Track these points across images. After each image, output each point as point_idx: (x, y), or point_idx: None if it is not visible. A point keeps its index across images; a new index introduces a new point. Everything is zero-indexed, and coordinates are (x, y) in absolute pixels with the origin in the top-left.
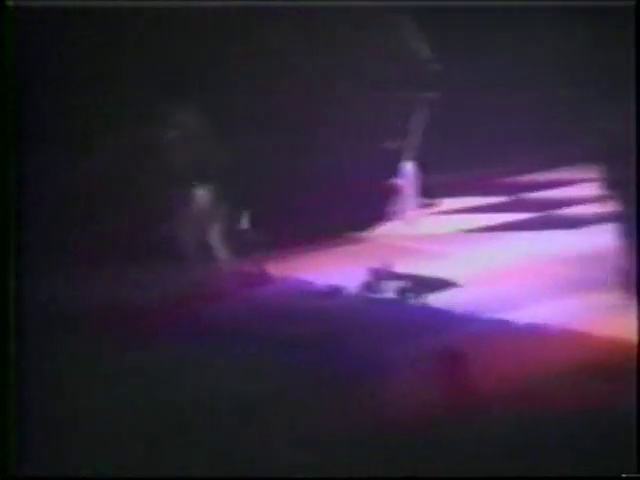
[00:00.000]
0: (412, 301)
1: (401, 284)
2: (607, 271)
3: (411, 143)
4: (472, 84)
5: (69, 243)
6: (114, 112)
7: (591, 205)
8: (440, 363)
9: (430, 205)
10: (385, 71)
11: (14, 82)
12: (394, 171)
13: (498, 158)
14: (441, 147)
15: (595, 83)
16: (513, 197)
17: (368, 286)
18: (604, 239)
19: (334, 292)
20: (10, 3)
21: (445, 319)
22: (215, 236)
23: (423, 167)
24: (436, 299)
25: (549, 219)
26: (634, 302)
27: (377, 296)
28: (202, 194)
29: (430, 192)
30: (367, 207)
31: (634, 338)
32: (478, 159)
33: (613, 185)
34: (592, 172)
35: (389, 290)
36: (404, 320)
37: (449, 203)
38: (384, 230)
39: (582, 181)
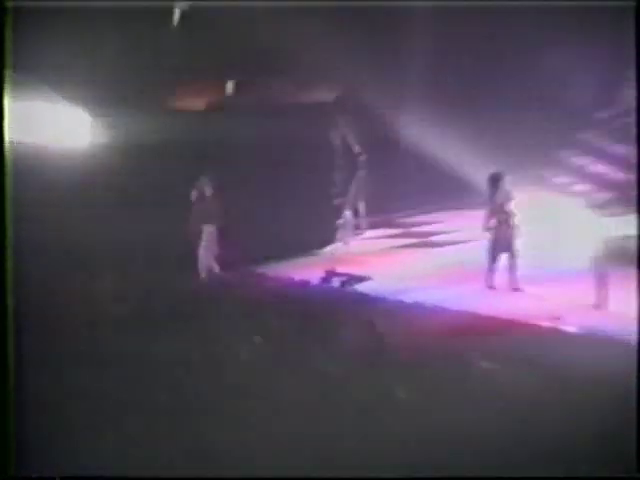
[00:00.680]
0: (348, 288)
1: (342, 279)
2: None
3: (349, 198)
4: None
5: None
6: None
7: (458, 233)
8: (362, 323)
9: (358, 235)
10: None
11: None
12: (339, 215)
13: (402, 203)
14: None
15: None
16: (407, 229)
17: (324, 280)
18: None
19: (305, 283)
20: (10, 3)
21: (366, 299)
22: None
23: (355, 213)
24: (361, 287)
25: (431, 242)
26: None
27: (329, 285)
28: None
29: (358, 227)
30: (323, 235)
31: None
32: (387, 207)
33: None
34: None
35: (335, 282)
36: (343, 299)
37: (370, 234)
38: (332, 249)
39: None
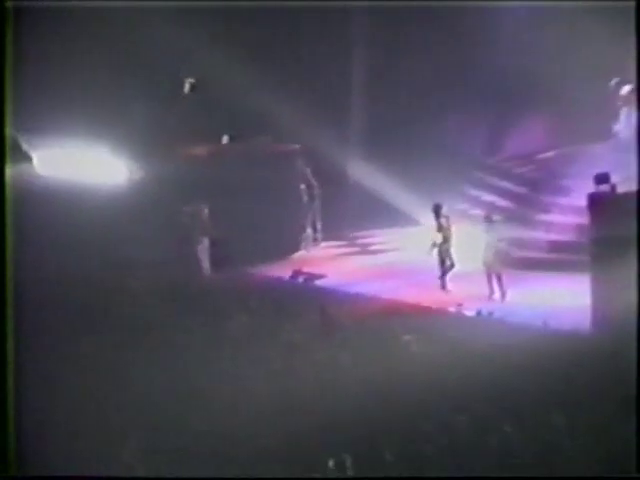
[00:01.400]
0: (309, 283)
1: (305, 276)
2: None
3: (309, 220)
4: None
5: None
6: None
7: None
8: (319, 307)
9: (316, 245)
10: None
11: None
12: (303, 231)
13: (348, 223)
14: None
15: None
16: (351, 241)
17: (292, 277)
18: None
19: (278, 279)
20: (10, 3)
21: (322, 290)
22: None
23: (314, 230)
24: (318, 282)
25: (369, 250)
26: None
27: (296, 281)
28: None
29: (316, 240)
30: (291, 245)
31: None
32: (337, 226)
33: None
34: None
35: (300, 278)
36: (306, 290)
37: (324, 244)
38: (298, 255)
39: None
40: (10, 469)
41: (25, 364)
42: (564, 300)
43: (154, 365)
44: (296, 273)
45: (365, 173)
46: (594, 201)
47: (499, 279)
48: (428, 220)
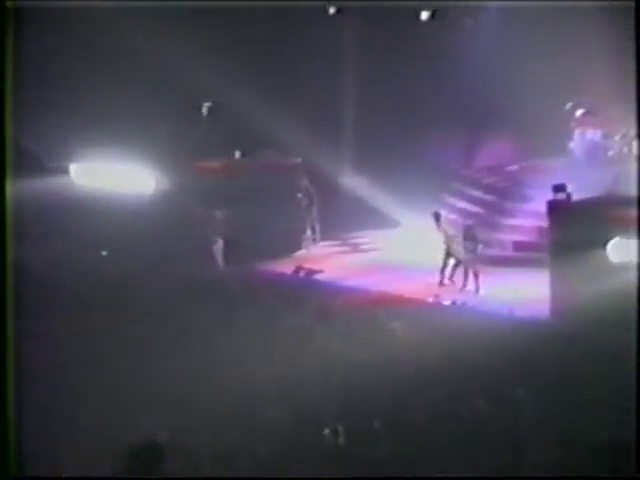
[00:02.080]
0: (309, 277)
1: (305, 271)
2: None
3: (309, 222)
4: None
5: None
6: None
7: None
8: (317, 298)
9: (315, 245)
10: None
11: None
12: (304, 233)
13: (342, 225)
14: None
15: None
16: (345, 241)
17: (294, 272)
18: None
19: (283, 274)
20: (10, 3)
21: (320, 284)
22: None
23: (313, 231)
24: (317, 276)
25: (360, 249)
26: None
27: (297, 275)
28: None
29: (315, 240)
30: (294, 245)
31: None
32: (333, 228)
33: None
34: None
35: (301, 273)
36: (306, 283)
37: (322, 244)
38: (300, 253)
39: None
40: (10, 469)
41: (25, 365)
42: (527, 292)
43: (172, 348)
44: (298, 269)
45: (356, 183)
46: (552, 207)
47: (475, 275)
48: (409, 223)
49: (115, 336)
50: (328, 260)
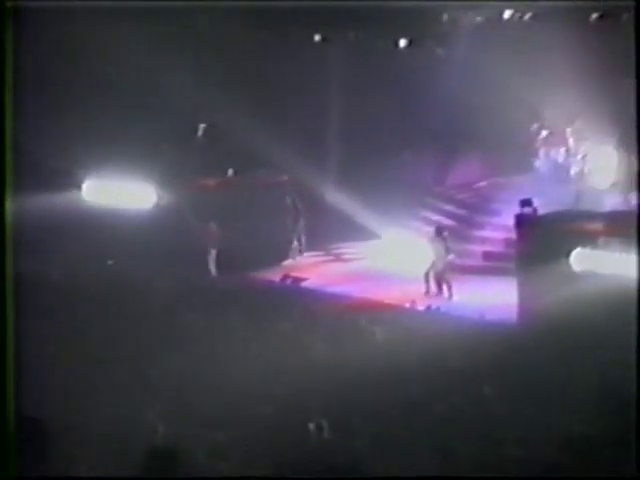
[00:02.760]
0: (295, 284)
1: (292, 279)
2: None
3: (295, 234)
4: None
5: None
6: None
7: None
8: (302, 303)
9: (301, 255)
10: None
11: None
12: (291, 243)
13: (326, 237)
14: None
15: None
16: (329, 251)
17: (282, 280)
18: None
19: (271, 281)
20: (10, 3)
21: (305, 290)
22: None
23: (299, 242)
24: (303, 284)
25: (343, 258)
26: None
27: (285, 282)
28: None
29: (301, 251)
30: (281, 255)
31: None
32: (317, 239)
33: None
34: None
35: (288, 281)
36: (293, 290)
37: (307, 254)
38: (287, 263)
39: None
40: (10, 469)
41: (25, 364)
42: (496, 298)
43: (171, 349)
44: (285, 277)
45: (339, 198)
46: (520, 221)
47: (448, 284)
48: (388, 234)
49: (117, 337)
50: (313, 269)
